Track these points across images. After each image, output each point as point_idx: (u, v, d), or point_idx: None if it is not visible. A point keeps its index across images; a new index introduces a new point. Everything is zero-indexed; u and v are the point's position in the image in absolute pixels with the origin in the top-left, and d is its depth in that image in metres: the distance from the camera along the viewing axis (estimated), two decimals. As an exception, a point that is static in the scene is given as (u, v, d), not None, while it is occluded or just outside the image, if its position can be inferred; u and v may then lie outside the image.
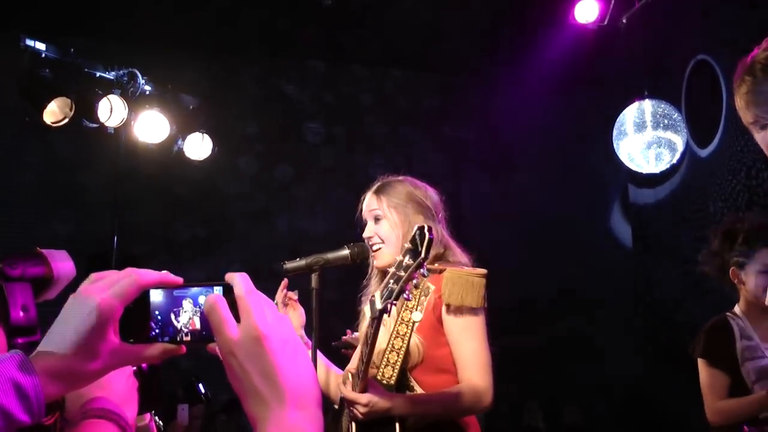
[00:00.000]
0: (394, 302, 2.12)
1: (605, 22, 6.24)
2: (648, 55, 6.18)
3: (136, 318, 1.09)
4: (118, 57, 5.64)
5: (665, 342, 5.24)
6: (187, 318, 1.09)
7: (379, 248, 2.67)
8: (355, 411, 2.29)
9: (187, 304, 1.09)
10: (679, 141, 5.87)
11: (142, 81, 5.52)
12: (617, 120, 6.04)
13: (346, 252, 2.96)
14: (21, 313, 1.20)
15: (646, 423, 5.96)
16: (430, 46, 6.61)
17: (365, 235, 2.72)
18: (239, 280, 1.00)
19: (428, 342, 2.46)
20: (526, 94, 6.79)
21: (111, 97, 5.32)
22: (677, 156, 5.91)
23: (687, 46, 5.94)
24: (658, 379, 5.75)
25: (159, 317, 1.09)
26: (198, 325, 1.08)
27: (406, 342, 2.43)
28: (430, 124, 7.21)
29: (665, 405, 5.67)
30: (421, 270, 2.10)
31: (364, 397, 2.27)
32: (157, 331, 1.09)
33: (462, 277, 2.50)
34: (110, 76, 5.42)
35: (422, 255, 2.09)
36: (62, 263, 1.28)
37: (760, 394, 3.12)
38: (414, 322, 2.43)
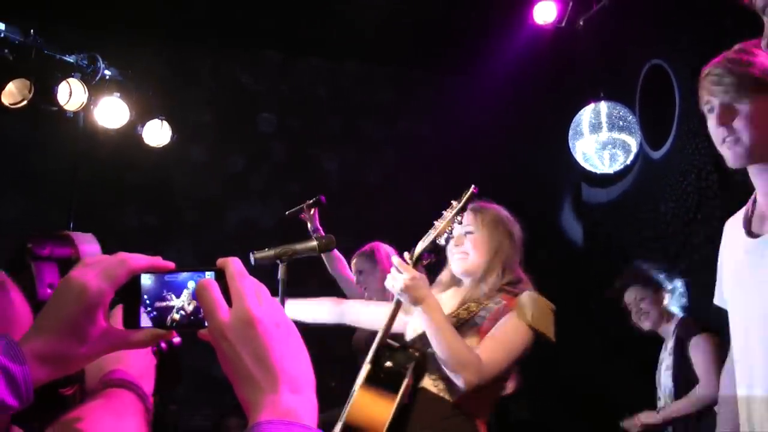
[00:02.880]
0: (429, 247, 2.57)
1: (563, 24, 6.57)
2: (604, 58, 6.52)
3: (126, 303, 1.11)
4: (79, 41, 5.76)
5: (616, 338, 5.57)
6: (178, 303, 1.10)
7: (463, 258, 2.95)
8: (398, 278, 2.61)
9: (178, 289, 1.10)
10: (633, 142, 6.26)
11: (102, 65, 5.62)
12: (573, 120, 6.39)
13: (313, 243, 3.29)
14: (48, 291, 1.21)
15: (598, 418, 6.29)
16: (387, 40, 6.78)
17: (455, 243, 2.99)
18: (231, 265, 1.03)
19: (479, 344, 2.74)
20: (483, 92, 7.01)
21: (71, 80, 5.43)
22: (631, 157, 6.30)
23: (642, 50, 6.32)
24: (609, 375, 6.11)
25: (150, 302, 1.10)
26: (189, 310, 1.09)
27: (468, 315, 2.81)
28: (385, 118, 7.37)
29: (616, 400, 6.02)
30: (458, 218, 2.62)
31: (415, 272, 2.60)
32: (147, 315, 1.10)
33: (542, 302, 2.80)
34: (70, 59, 5.51)
35: (460, 205, 2.62)
36: (88, 246, 1.31)
37: None
38: (484, 316, 2.78)
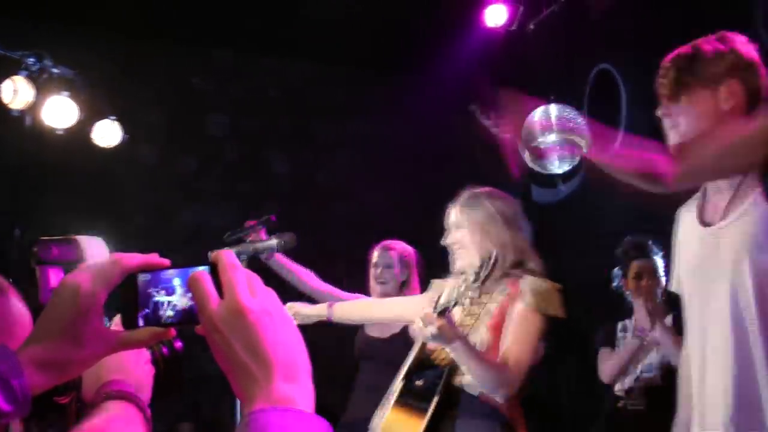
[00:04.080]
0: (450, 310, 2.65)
1: (514, 27, 6.72)
2: (554, 61, 6.69)
3: (123, 303, 1.12)
4: (25, 37, 5.72)
5: (569, 334, 5.71)
6: (174, 300, 1.10)
7: (458, 253, 3.07)
8: (425, 331, 2.64)
9: (174, 286, 1.10)
10: (583, 144, 6.40)
11: (50, 63, 5.60)
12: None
13: (273, 242, 3.39)
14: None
15: (545, 414, 6.44)
16: (340, 40, 6.84)
17: (448, 241, 3.11)
18: (223, 257, 1.02)
19: (494, 338, 2.86)
20: (435, 93, 7.08)
21: (16, 78, 5.40)
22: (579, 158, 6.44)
23: (591, 54, 6.51)
24: (558, 370, 6.26)
25: (146, 301, 1.10)
26: (185, 307, 1.09)
27: (477, 324, 2.89)
28: (337, 119, 7.42)
29: (559, 400, 6.18)
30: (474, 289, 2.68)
31: (440, 322, 2.62)
32: (144, 314, 1.10)
33: (544, 286, 2.91)
34: (15, 55, 5.50)
35: (479, 280, 2.68)
36: (95, 249, 1.35)
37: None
38: (484, 319, 2.89)
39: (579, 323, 5.09)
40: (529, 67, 6.95)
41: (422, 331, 2.68)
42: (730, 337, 2.20)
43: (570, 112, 6.37)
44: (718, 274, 2.25)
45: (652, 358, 4.58)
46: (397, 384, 2.94)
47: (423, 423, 2.76)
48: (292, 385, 0.93)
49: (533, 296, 2.84)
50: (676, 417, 2.59)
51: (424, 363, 2.93)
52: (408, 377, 2.93)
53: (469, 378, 2.82)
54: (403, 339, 4.28)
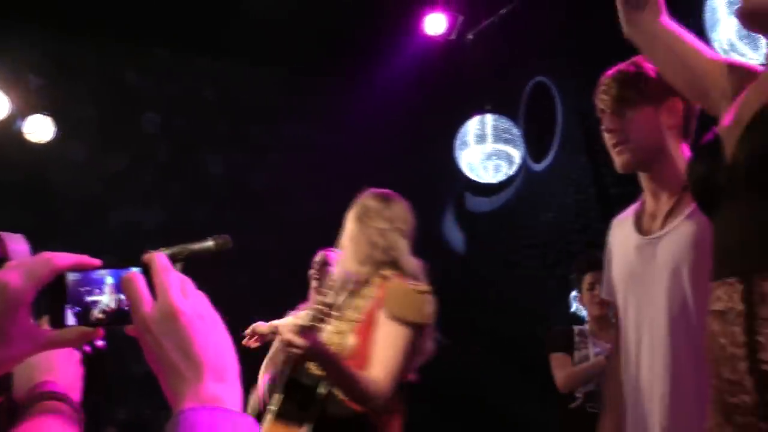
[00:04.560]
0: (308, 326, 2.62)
1: (453, 37, 6.77)
2: (491, 72, 6.76)
3: (52, 302, 1.10)
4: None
5: (496, 341, 5.78)
6: (105, 300, 1.10)
7: (340, 256, 3.02)
8: (293, 349, 2.58)
9: (105, 286, 1.10)
10: (517, 155, 6.54)
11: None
12: (460, 131, 6.61)
13: (210, 243, 3.32)
14: None
15: (476, 419, 6.48)
16: (277, 43, 6.82)
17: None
18: (156, 260, 1.04)
19: (361, 340, 2.78)
20: (372, 99, 7.10)
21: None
22: (514, 168, 6.58)
23: (527, 67, 6.62)
24: (491, 376, 6.31)
25: (76, 300, 1.10)
26: (115, 307, 1.09)
27: (343, 338, 2.81)
28: (273, 121, 7.39)
29: (497, 400, 6.23)
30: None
31: (302, 342, 2.55)
32: (73, 314, 1.10)
33: (404, 290, 2.81)
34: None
35: (333, 302, 2.67)
36: (17, 245, 1.28)
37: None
38: (353, 322, 2.81)
39: (510, 330, 5.17)
40: (466, 77, 7.01)
41: (288, 350, 2.66)
42: (665, 344, 2.24)
43: (505, 123, 6.50)
44: (655, 281, 2.29)
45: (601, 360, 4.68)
46: (276, 397, 2.89)
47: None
48: (221, 385, 0.95)
49: (392, 302, 2.78)
50: (603, 417, 2.63)
51: (301, 373, 2.87)
52: (286, 389, 2.88)
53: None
54: None
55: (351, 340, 2.81)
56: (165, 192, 6.91)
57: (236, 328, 5.10)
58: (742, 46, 4.84)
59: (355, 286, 2.90)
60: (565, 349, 4.59)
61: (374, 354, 2.75)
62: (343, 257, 3.01)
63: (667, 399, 2.23)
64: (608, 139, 2.39)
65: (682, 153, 2.36)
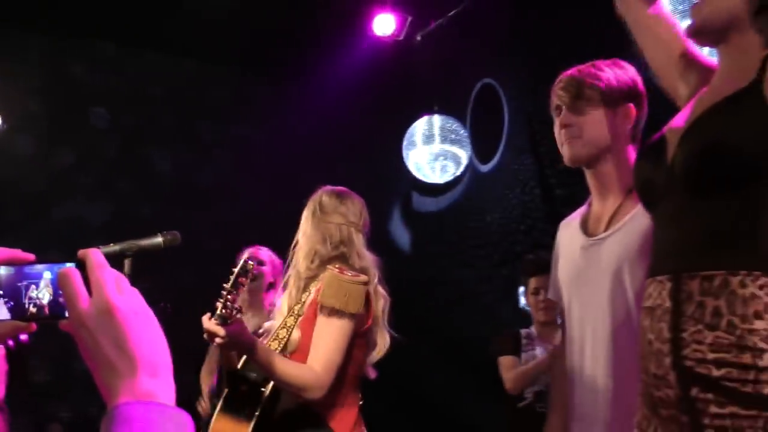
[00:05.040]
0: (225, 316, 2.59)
1: (401, 38, 6.80)
2: (439, 73, 6.82)
3: None
4: None
5: (442, 340, 5.81)
6: (39, 295, 1.10)
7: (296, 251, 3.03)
8: (216, 339, 2.61)
9: (41, 281, 1.10)
10: (464, 155, 6.59)
11: None
12: (407, 131, 6.64)
13: (159, 239, 3.30)
14: None
15: (423, 417, 6.52)
16: (227, 41, 6.83)
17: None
18: (92, 256, 1.04)
19: (304, 334, 2.81)
20: (321, 98, 7.12)
21: None
22: (461, 169, 6.63)
23: (475, 68, 6.67)
24: (438, 374, 6.35)
25: (9, 295, 1.10)
26: (49, 301, 1.10)
27: (288, 333, 2.85)
28: (221, 119, 7.36)
29: (443, 399, 6.28)
30: (229, 297, 2.62)
31: (223, 331, 2.58)
32: (8, 308, 1.10)
33: (338, 281, 2.82)
34: None
35: (231, 288, 2.63)
36: None
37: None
38: (299, 317, 2.85)
39: (456, 328, 5.20)
40: (415, 78, 7.05)
41: (210, 338, 2.67)
42: (609, 341, 2.31)
43: (453, 124, 6.54)
44: (599, 281, 2.35)
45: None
46: (223, 391, 2.93)
47: (249, 428, 2.77)
48: (155, 380, 0.96)
49: (325, 293, 2.80)
50: (550, 416, 2.70)
51: (247, 367, 2.91)
52: (231, 383, 2.91)
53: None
54: None
55: (296, 334, 2.85)
56: (112, 188, 6.85)
57: (180, 325, 5.08)
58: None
59: (306, 282, 2.94)
60: (512, 352, 4.67)
61: (312, 345, 2.78)
62: (297, 253, 3.04)
63: (610, 394, 2.30)
64: (562, 134, 2.46)
65: (629, 157, 2.42)
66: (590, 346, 2.36)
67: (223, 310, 2.59)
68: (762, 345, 1.50)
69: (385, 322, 3.07)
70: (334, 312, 2.78)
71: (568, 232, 2.57)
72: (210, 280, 5.03)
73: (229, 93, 7.47)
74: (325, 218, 3.04)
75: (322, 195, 3.14)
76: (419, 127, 6.63)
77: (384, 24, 6.78)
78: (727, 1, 1.77)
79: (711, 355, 1.56)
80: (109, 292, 1.00)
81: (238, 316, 2.64)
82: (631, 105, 2.44)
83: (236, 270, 2.71)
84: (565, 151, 2.46)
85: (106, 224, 6.65)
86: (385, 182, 7.47)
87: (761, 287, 1.52)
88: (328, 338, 2.77)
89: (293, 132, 7.21)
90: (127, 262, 3.27)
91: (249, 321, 4.76)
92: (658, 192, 1.83)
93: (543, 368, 4.40)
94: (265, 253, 4.92)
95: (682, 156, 1.73)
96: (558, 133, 2.49)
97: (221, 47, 6.96)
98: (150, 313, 1.03)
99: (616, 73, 2.47)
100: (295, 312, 2.89)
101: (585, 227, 2.49)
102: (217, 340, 2.60)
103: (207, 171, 7.27)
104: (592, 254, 2.40)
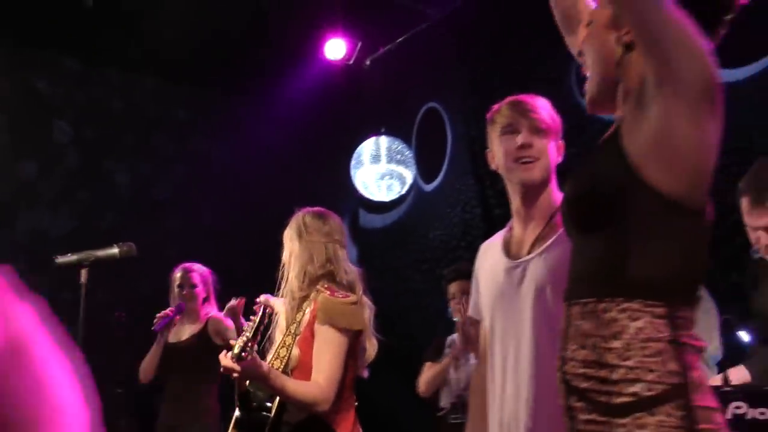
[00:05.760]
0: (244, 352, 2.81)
1: (352, 62, 7.03)
2: (387, 97, 7.05)
3: None
4: None
5: (387, 352, 6.01)
6: None
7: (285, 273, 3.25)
8: (233, 374, 2.86)
9: None
10: (409, 175, 6.85)
11: None
12: (356, 151, 6.87)
13: (115, 250, 3.56)
14: None
15: (363, 426, 6.70)
16: (185, 59, 6.91)
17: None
18: None
19: (303, 352, 3.04)
20: (274, 118, 7.22)
21: None
22: (406, 188, 6.90)
23: (421, 93, 6.93)
24: (379, 386, 6.55)
25: None
26: None
27: (288, 351, 3.07)
28: (178, 135, 7.48)
29: (385, 410, 6.47)
30: (250, 344, 2.81)
31: (237, 367, 2.80)
32: None
33: (332, 302, 3.04)
34: None
35: (251, 336, 2.83)
36: None
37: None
38: (297, 336, 3.06)
39: (399, 341, 5.41)
40: (363, 100, 7.26)
41: (228, 374, 2.92)
42: (531, 355, 2.44)
43: (399, 145, 6.79)
44: (521, 300, 2.46)
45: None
46: (235, 412, 3.16)
47: None
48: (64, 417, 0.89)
49: (323, 313, 3.02)
50: (467, 427, 2.81)
51: (255, 386, 3.11)
52: (242, 401, 3.13)
53: None
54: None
55: (295, 352, 3.05)
56: (73, 199, 6.90)
57: (137, 335, 5.28)
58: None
59: (299, 301, 3.13)
60: (434, 357, 4.89)
61: (315, 362, 3.00)
62: (288, 274, 3.23)
63: (531, 402, 2.40)
64: (521, 153, 2.56)
65: (555, 188, 2.59)
66: (512, 359, 2.48)
67: (242, 353, 2.80)
68: (616, 362, 1.65)
69: (372, 329, 3.24)
70: (335, 330, 2.99)
71: (491, 255, 2.68)
72: (166, 290, 5.23)
73: (186, 110, 7.55)
74: (310, 238, 3.19)
75: (305, 216, 3.28)
76: (367, 147, 6.88)
77: (335, 48, 7.01)
78: (603, 67, 1.92)
79: (581, 370, 1.73)
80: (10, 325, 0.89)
81: (253, 353, 2.87)
82: (561, 141, 2.62)
83: (257, 319, 2.94)
84: (519, 172, 2.55)
85: (67, 235, 6.69)
86: (333, 199, 7.62)
87: (622, 311, 1.68)
88: (330, 355, 2.98)
89: (247, 149, 7.31)
90: (83, 272, 3.45)
91: (184, 327, 5.08)
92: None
93: (446, 368, 4.73)
94: (196, 274, 5.19)
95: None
96: (510, 152, 2.57)
97: (180, 66, 7.03)
98: (52, 342, 0.94)
99: (553, 109, 2.64)
100: (292, 331, 3.10)
101: (507, 250, 2.60)
102: (234, 375, 2.85)
103: (164, 184, 7.36)
104: (515, 275, 2.49)
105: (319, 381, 2.96)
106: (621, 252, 1.72)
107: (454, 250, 6.28)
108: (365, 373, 3.32)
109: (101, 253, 3.53)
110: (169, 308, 4.97)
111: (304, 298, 3.14)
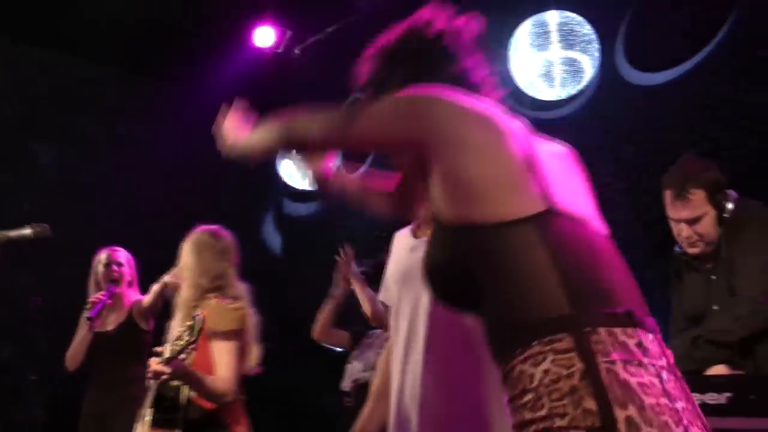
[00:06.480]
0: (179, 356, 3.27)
1: (280, 50, 6.99)
2: (315, 86, 7.01)
3: None
4: None
5: (306, 339, 5.99)
6: None
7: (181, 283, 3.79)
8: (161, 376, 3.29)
9: None
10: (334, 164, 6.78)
11: None
12: (282, 140, 6.81)
13: (28, 231, 3.56)
14: None
15: (292, 416, 6.70)
16: (114, 41, 6.87)
17: None
18: None
19: (199, 356, 3.48)
20: (202, 104, 7.08)
21: None
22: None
23: (347, 85, 6.86)
24: (304, 374, 6.57)
25: None
26: None
27: (187, 356, 3.41)
28: (106, 118, 7.36)
29: (310, 398, 6.49)
30: (192, 346, 3.26)
31: (167, 369, 3.26)
32: None
33: (219, 308, 3.54)
34: None
35: (194, 339, 3.23)
36: None
37: None
38: (190, 341, 3.36)
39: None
40: (291, 89, 7.22)
41: (156, 377, 3.35)
42: (424, 337, 2.46)
43: (323, 136, 6.77)
44: (421, 281, 2.49)
45: (370, 358, 4.99)
46: (147, 410, 3.52)
47: None
48: None
49: (213, 319, 3.43)
50: (366, 407, 2.84)
51: (164, 387, 3.48)
52: (155, 402, 3.50)
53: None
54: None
55: (192, 356, 3.43)
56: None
57: (56, 319, 5.17)
58: (540, 83, 5.30)
59: (191, 309, 3.52)
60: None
61: (216, 362, 3.49)
62: (183, 286, 3.70)
63: (424, 379, 2.42)
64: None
65: None
66: (413, 339, 2.49)
67: (174, 358, 3.25)
68: (530, 416, 1.43)
69: (254, 336, 3.73)
70: (224, 334, 3.50)
71: (401, 239, 2.77)
72: (85, 275, 5.14)
73: (115, 93, 7.44)
74: (203, 255, 3.66)
75: (200, 234, 3.75)
76: (292, 135, 6.81)
77: (264, 36, 6.97)
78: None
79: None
80: None
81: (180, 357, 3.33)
82: None
83: (193, 328, 3.27)
84: None
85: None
86: (259, 187, 7.62)
87: (524, 361, 1.46)
88: (227, 354, 3.49)
89: (175, 135, 7.24)
90: (-3, 253, 3.38)
91: (110, 314, 5.05)
92: None
93: (331, 310, 5.47)
94: (123, 254, 5.16)
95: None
96: None
97: (110, 48, 6.97)
98: None
99: None
100: (185, 337, 3.38)
101: (415, 231, 2.69)
102: (164, 377, 3.28)
103: (88, 167, 7.21)
104: (417, 254, 2.44)
105: (224, 375, 3.46)
106: (494, 305, 1.56)
107: (376, 241, 6.29)
108: (249, 372, 3.74)
109: (14, 233, 3.51)
110: (100, 293, 4.88)
111: (195, 307, 3.52)
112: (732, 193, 3.40)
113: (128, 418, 4.81)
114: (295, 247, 7.47)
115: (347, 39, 6.76)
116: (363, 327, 5.39)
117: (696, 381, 2.86)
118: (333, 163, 2.44)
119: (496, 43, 5.47)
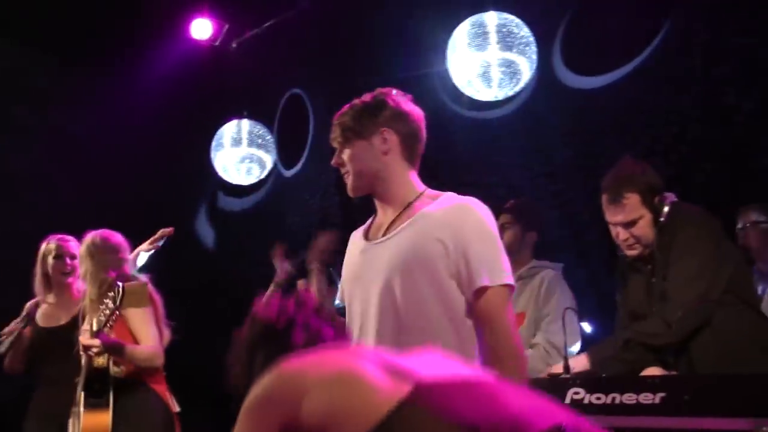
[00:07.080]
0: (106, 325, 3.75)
1: (217, 43, 6.89)
2: (252, 80, 6.95)
3: None
4: None
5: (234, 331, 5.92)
6: None
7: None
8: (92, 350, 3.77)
9: None
10: (269, 160, 6.82)
11: None
12: (216, 133, 6.74)
13: None
14: None
15: (221, 408, 6.58)
16: (49, 28, 6.62)
17: None
18: None
19: (118, 331, 3.98)
20: (137, 96, 7.02)
21: None
22: (265, 172, 6.88)
23: (286, 78, 6.86)
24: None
25: None
26: None
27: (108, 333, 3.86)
28: (38, 107, 7.09)
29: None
30: (117, 313, 3.73)
31: (96, 341, 3.74)
32: None
33: (132, 286, 3.87)
34: None
35: (117, 306, 3.68)
36: None
37: None
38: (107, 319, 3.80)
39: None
40: (228, 82, 7.14)
41: (87, 351, 3.78)
42: (375, 336, 2.50)
43: (260, 129, 6.69)
44: (372, 280, 2.52)
45: None
46: (79, 395, 3.91)
47: (110, 412, 3.86)
48: None
49: (127, 297, 3.75)
50: None
51: (92, 368, 3.91)
52: (85, 386, 3.90)
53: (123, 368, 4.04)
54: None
55: (113, 333, 3.90)
56: None
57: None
58: (478, 83, 5.29)
59: (99, 301, 3.96)
60: None
61: (138, 333, 4.05)
62: (87, 281, 4.25)
63: None
64: (342, 171, 2.69)
65: (407, 173, 2.64)
66: (363, 338, 2.52)
67: (102, 329, 3.72)
68: None
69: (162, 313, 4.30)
70: (140, 307, 4.00)
71: (355, 241, 2.78)
72: (18, 264, 4.97)
73: (47, 80, 7.18)
74: (100, 257, 4.19)
75: (94, 238, 4.27)
76: (228, 130, 6.80)
77: (201, 28, 6.89)
78: None
79: None
80: None
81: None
82: (389, 129, 2.61)
83: (116, 297, 3.70)
84: (346, 183, 2.67)
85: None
86: (192, 180, 7.50)
87: None
88: (146, 324, 4.06)
89: (108, 125, 7.06)
90: None
91: (59, 310, 4.86)
92: None
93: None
94: (74, 244, 4.91)
95: None
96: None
97: (43, 34, 6.73)
98: None
99: (364, 102, 2.66)
100: (101, 318, 3.80)
101: (367, 234, 2.70)
102: (94, 349, 3.73)
103: (20, 155, 6.97)
104: (369, 256, 2.59)
105: (150, 343, 4.03)
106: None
107: (312, 236, 6.24)
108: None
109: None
110: (15, 322, 4.68)
111: (102, 297, 3.93)
112: (669, 195, 3.44)
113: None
114: (227, 242, 7.36)
115: (285, 34, 6.71)
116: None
117: (631, 381, 2.97)
118: None
119: (435, 41, 5.48)
